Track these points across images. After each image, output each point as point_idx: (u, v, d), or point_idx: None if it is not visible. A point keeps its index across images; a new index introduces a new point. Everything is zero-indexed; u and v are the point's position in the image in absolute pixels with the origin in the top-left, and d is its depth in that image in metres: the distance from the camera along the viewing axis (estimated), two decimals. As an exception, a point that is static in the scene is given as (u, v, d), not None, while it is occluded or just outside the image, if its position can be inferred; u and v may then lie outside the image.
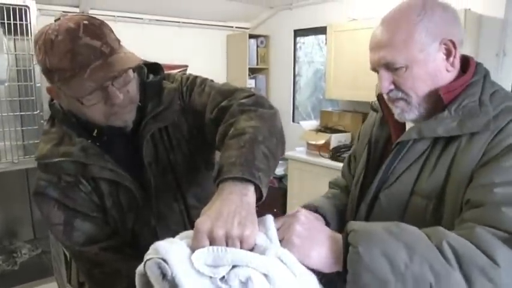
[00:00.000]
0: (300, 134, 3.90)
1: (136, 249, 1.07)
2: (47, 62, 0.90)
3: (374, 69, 1.02)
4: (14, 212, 3.25)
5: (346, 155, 3.77)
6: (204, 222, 0.71)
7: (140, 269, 0.71)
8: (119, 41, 0.97)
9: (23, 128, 2.44)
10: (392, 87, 0.99)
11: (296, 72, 4.71)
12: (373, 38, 1.00)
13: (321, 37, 4.39)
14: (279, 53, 4.75)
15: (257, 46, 4.76)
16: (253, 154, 0.82)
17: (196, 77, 1.15)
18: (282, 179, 4.30)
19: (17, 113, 2.41)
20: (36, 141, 2.27)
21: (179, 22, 4.36)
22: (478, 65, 1.00)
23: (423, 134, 0.95)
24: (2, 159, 2.39)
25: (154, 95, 1.08)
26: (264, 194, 0.80)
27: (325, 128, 3.91)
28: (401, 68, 0.95)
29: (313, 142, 3.76)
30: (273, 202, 4.00)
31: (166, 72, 1.17)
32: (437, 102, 0.96)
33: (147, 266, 0.65)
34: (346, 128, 3.82)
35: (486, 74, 0.98)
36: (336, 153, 3.57)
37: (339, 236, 0.81)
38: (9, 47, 2.39)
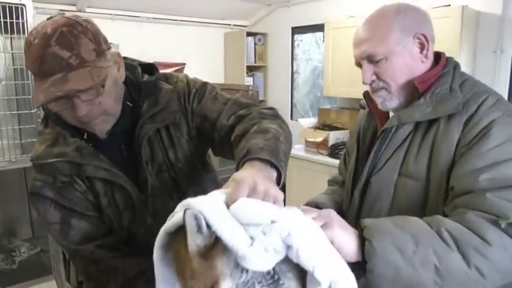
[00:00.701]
0: (299, 132, 3.90)
1: (132, 247, 1.08)
2: (25, 61, 0.92)
3: (358, 63, 1.14)
4: (13, 210, 3.25)
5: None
6: (246, 176, 0.74)
7: (167, 225, 0.71)
8: (100, 52, 0.93)
9: (21, 127, 2.44)
10: (374, 77, 1.11)
11: (294, 70, 4.70)
12: (356, 36, 1.14)
13: (319, 34, 4.39)
14: (277, 51, 4.74)
15: (255, 44, 4.76)
16: (277, 148, 0.89)
17: (205, 82, 1.16)
18: (280, 176, 4.30)
19: (14, 112, 2.40)
20: (33, 140, 2.27)
21: (176, 20, 4.35)
22: (449, 58, 1.13)
23: (403, 120, 1.08)
24: (0, 158, 2.38)
25: (149, 95, 1.08)
26: (281, 183, 0.84)
27: (323, 126, 3.91)
28: (381, 60, 1.08)
29: (312, 139, 3.77)
30: (271, 200, 3.99)
31: (168, 72, 1.17)
32: (413, 92, 1.09)
33: (187, 215, 0.64)
34: (344, 125, 3.82)
35: (456, 66, 1.11)
36: (334, 151, 3.57)
37: (356, 232, 0.89)
38: (5, 46, 2.38)
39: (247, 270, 0.66)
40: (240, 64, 4.66)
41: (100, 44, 0.94)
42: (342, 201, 1.28)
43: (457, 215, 0.90)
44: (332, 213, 0.88)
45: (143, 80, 1.09)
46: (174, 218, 0.70)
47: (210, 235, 0.65)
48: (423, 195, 1.03)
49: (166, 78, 1.15)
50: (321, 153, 3.67)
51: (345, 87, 3.62)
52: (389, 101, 1.12)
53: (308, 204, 1.20)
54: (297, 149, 3.89)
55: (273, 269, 0.68)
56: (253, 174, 0.76)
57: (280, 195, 0.75)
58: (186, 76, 1.17)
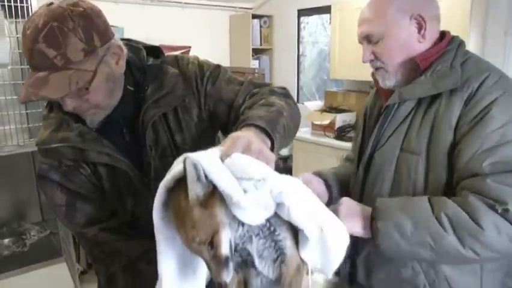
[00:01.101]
0: (305, 115, 3.89)
1: (135, 229, 1.09)
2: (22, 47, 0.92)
3: (360, 42, 1.18)
4: (22, 194, 3.28)
5: (351, 135, 3.80)
6: (242, 135, 0.78)
7: (166, 179, 0.73)
8: (89, 51, 0.90)
9: (28, 111, 2.45)
10: (372, 57, 1.16)
11: (300, 53, 4.66)
12: (359, 16, 1.18)
13: (325, 16, 4.33)
14: (283, 33, 4.70)
15: (260, 26, 4.72)
16: (277, 120, 0.91)
17: (218, 65, 1.16)
18: (287, 159, 4.31)
19: (21, 96, 2.40)
20: (41, 124, 2.28)
21: (181, 3, 4.31)
22: (454, 37, 1.15)
23: (404, 96, 1.11)
24: (8, 143, 2.40)
25: (154, 79, 1.07)
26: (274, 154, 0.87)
27: (330, 108, 3.89)
28: (378, 40, 1.13)
29: (318, 122, 3.75)
30: (278, 183, 4.00)
31: (179, 54, 1.16)
32: (415, 70, 1.12)
33: (187, 164, 0.67)
34: (351, 107, 3.80)
35: (460, 44, 1.13)
36: (341, 133, 3.56)
37: (369, 211, 1.05)
38: (10, 30, 2.37)
39: (243, 224, 0.70)
40: (246, 47, 4.63)
41: (90, 43, 0.90)
42: (345, 174, 1.36)
43: (461, 197, 0.98)
44: (344, 202, 1.06)
45: (148, 64, 1.08)
46: (173, 172, 0.73)
47: (208, 185, 0.68)
48: (424, 171, 1.07)
49: (177, 60, 1.13)
50: (327, 136, 3.66)
51: (352, 70, 3.58)
52: (387, 80, 1.16)
53: (314, 173, 1.31)
54: (304, 132, 3.88)
55: (269, 221, 0.72)
56: (248, 135, 0.80)
57: (273, 157, 0.79)
58: (197, 58, 1.16)
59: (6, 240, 3.03)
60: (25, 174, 3.11)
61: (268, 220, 0.72)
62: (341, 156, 3.39)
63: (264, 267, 0.75)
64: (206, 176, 0.67)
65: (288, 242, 0.74)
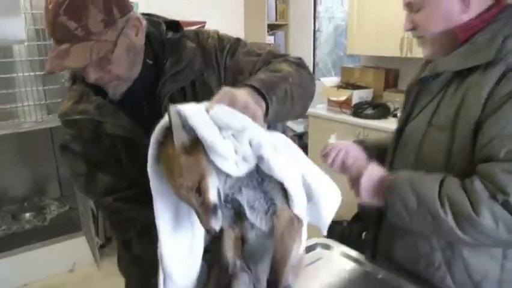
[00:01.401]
0: (321, 91, 3.83)
1: (151, 198, 1.12)
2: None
3: (405, 10, 1.16)
4: (41, 170, 3.35)
5: (368, 112, 3.71)
6: (231, 90, 0.79)
7: (155, 132, 0.75)
8: (109, 22, 0.93)
9: (45, 88, 2.47)
10: (411, 26, 1.13)
11: (316, 28, 4.57)
12: None
13: (343, -10, 4.23)
14: (299, 9, 4.60)
15: (276, 1, 4.62)
16: (277, 85, 0.92)
17: (238, 38, 1.17)
18: (302, 136, 4.28)
19: (38, 73, 2.42)
20: (58, 100, 2.30)
21: (196, -23, 4.24)
22: (510, 6, 1.05)
23: (437, 69, 1.08)
24: (27, 119, 2.44)
25: (173, 52, 1.08)
26: (267, 116, 0.87)
27: (346, 85, 3.83)
28: (418, 8, 1.09)
29: (335, 98, 3.70)
30: (293, 160, 3.99)
31: (198, 28, 1.16)
32: (455, 41, 1.06)
33: (171, 112, 0.68)
34: (368, 84, 3.73)
35: None
36: (357, 110, 3.51)
37: (388, 182, 1.05)
38: (25, 7, 2.37)
39: (231, 177, 0.71)
40: (261, 22, 4.55)
41: (110, 14, 0.94)
42: (385, 145, 1.34)
43: (470, 181, 0.96)
44: (367, 171, 1.08)
45: (168, 37, 1.10)
46: (160, 123, 0.75)
47: (193, 132, 0.69)
48: (447, 147, 1.04)
49: (197, 34, 1.14)
50: (344, 112, 3.61)
51: (370, 45, 3.48)
52: (425, 49, 1.14)
53: (354, 142, 1.33)
54: (320, 108, 3.84)
55: (257, 172, 0.73)
56: (237, 91, 0.80)
57: (259, 111, 0.80)
58: (217, 32, 1.16)
59: (27, 215, 3.13)
60: (44, 150, 3.17)
61: (257, 171, 0.73)
62: (357, 134, 3.38)
63: (256, 218, 0.76)
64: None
65: (278, 194, 0.75)
